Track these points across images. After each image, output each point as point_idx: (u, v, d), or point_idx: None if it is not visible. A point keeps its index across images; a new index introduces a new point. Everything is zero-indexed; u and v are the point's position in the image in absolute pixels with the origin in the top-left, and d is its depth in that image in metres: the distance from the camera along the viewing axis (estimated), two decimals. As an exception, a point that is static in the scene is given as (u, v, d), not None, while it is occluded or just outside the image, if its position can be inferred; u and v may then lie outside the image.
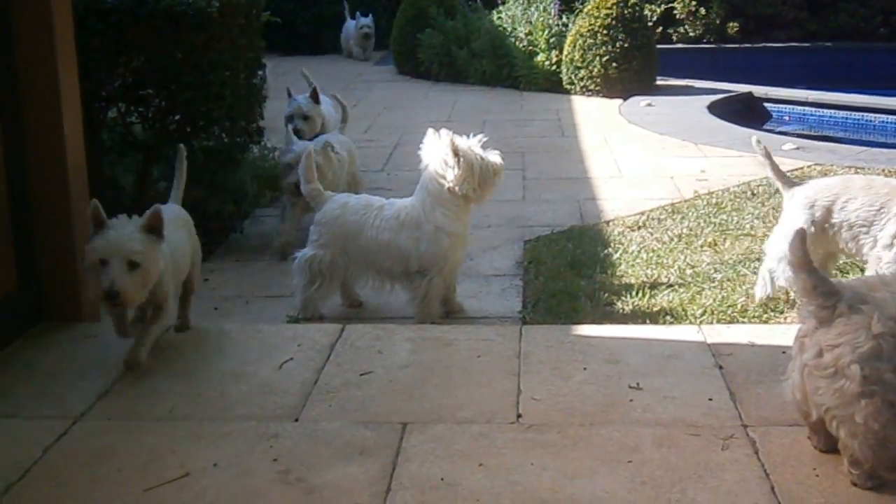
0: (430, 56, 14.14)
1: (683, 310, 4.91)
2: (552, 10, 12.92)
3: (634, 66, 11.88)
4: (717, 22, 16.08)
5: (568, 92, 12.24)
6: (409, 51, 14.51)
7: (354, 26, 17.14)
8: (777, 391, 3.81)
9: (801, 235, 3.20)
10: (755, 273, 5.32)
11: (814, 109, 11.45)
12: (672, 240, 6.09)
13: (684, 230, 6.26)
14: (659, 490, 3.17)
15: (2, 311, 4.37)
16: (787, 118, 11.62)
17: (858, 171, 7.52)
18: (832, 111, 11.26)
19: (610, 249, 5.96)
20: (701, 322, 4.71)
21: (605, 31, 11.77)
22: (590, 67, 11.90)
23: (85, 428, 3.67)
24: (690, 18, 16.11)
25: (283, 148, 6.62)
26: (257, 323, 5.03)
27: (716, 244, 5.93)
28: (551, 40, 12.54)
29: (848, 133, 10.90)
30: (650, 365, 4.10)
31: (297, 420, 3.71)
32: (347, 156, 6.93)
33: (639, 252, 5.87)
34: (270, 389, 3.98)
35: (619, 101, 11.57)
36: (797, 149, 8.55)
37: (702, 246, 5.92)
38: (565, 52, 12.21)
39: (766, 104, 11.90)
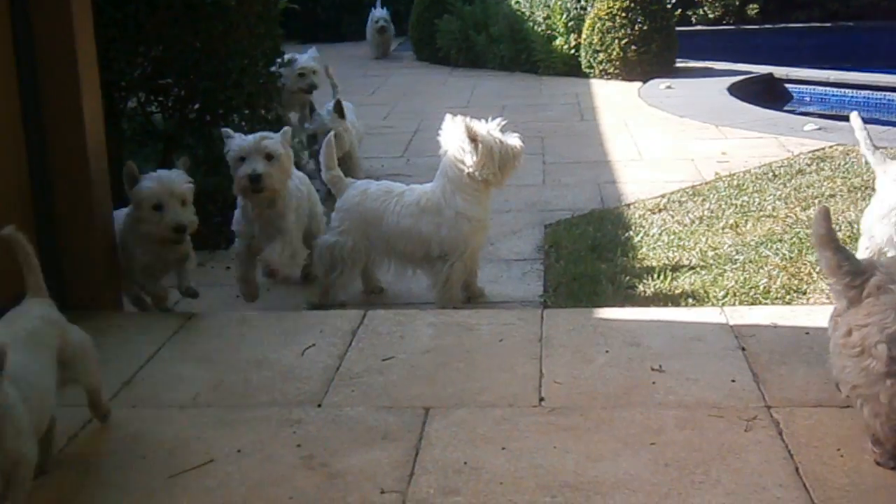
0: (448, 42, 14.11)
1: (705, 292, 4.89)
2: (570, -7, 12.87)
3: (654, 48, 11.82)
4: (737, 3, 15.96)
5: (587, 76, 12.19)
6: (428, 37, 14.49)
7: (371, 19, 15.55)
8: (801, 372, 3.81)
9: (824, 213, 3.18)
10: (777, 255, 5.30)
11: (835, 90, 11.36)
12: (693, 222, 6.06)
13: (705, 212, 6.24)
14: (682, 472, 3.16)
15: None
16: (808, 99, 11.54)
17: (881, 150, 7.45)
18: (854, 91, 11.17)
19: (631, 232, 5.94)
20: (723, 304, 4.70)
21: (623, 14, 11.71)
22: (608, 51, 11.85)
23: (109, 416, 3.69)
24: (710, 0, 16.00)
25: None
26: (279, 310, 5.04)
27: (737, 226, 5.91)
28: (570, 24, 12.48)
29: (870, 113, 10.79)
30: (672, 347, 4.09)
31: (319, 406, 3.73)
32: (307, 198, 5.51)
33: (660, 235, 5.85)
34: (293, 376, 3.99)
35: (639, 84, 11.52)
36: (819, 129, 8.48)
37: (723, 228, 5.90)
38: (584, 36, 12.15)
39: (786, 85, 11.82)
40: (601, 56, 11.94)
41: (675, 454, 3.27)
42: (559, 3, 12.65)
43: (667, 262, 5.38)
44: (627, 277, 5.17)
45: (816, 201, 6.24)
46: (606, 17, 11.80)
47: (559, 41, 12.56)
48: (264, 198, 4.94)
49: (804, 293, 4.84)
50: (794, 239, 5.50)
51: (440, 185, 4.95)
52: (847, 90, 11.25)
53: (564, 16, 12.51)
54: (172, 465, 3.33)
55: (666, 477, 3.14)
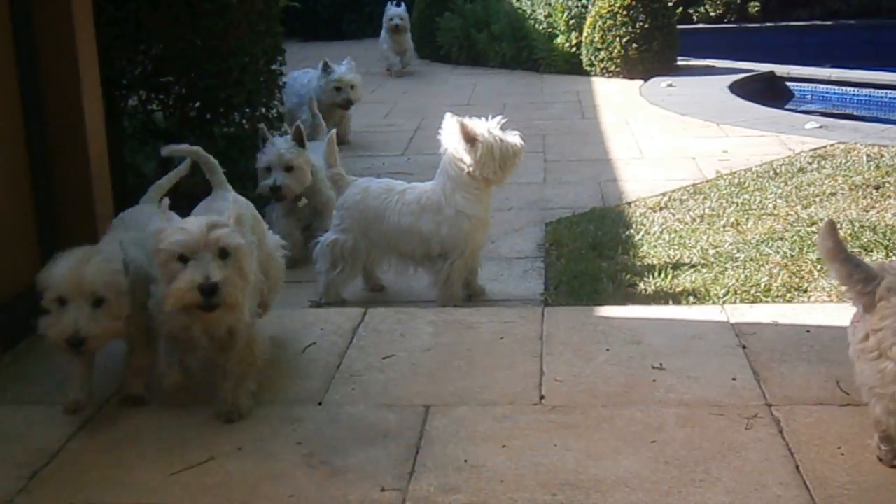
0: (449, 40, 14.10)
1: (706, 290, 4.89)
2: (571, -8, 12.86)
3: (655, 46, 11.81)
4: (738, 1, 15.95)
5: (588, 74, 12.18)
6: (429, 35, 14.47)
7: (385, 17, 13.21)
8: (801, 370, 3.81)
9: (830, 228, 3.19)
10: (778, 253, 5.30)
11: (836, 88, 11.36)
12: (694, 220, 6.06)
13: (706, 210, 6.23)
14: (683, 470, 3.16)
15: (26, 301, 4.39)
16: (809, 97, 11.53)
17: (882, 148, 7.46)
18: (855, 89, 11.16)
19: (632, 231, 5.93)
20: (724, 302, 4.69)
21: (624, 12, 11.70)
22: (610, 49, 11.84)
23: (109, 414, 3.70)
24: (711, -2, 16.01)
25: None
26: (280, 308, 5.03)
27: (738, 224, 5.90)
28: (571, 22, 12.47)
29: (871, 111, 10.81)
30: (673, 345, 4.09)
31: (320, 404, 3.73)
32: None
33: (661, 233, 5.84)
34: (293, 374, 4.00)
35: (640, 82, 11.51)
36: (820, 127, 8.48)
37: (724, 226, 5.89)
38: (585, 34, 12.14)
39: (788, 83, 11.81)
40: (602, 54, 11.93)
41: (675, 452, 3.27)
42: (560, 1, 12.64)
43: (668, 260, 5.37)
44: (628, 275, 5.16)
45: (818, 199, 6.24)
46: (608, 15, 11.79)
47: (560, 39, 12.56)
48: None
49: (805, 291, 4.84)
50: (796, 237, 5.50)
51: (441, 184, 4.95)
52: (848, 88, 11.24)
53: (565, 14, 12.50)
54: (173, 462, 3.33)
55: (666, 475, 3.14)
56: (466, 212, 4.89)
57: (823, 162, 7.24)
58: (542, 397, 3.70)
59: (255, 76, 6.36)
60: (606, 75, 11.97)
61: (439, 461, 3.28)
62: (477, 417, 3.56)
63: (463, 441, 3.40)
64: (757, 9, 15.95)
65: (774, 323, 4.28)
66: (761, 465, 3.18)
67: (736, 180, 6.93)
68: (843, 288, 3.22)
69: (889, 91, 10.82)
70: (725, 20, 16.03)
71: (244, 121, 6.45)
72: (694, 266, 5.23)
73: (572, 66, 12.42)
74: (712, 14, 16.03)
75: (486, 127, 4.88)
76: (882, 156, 7.25)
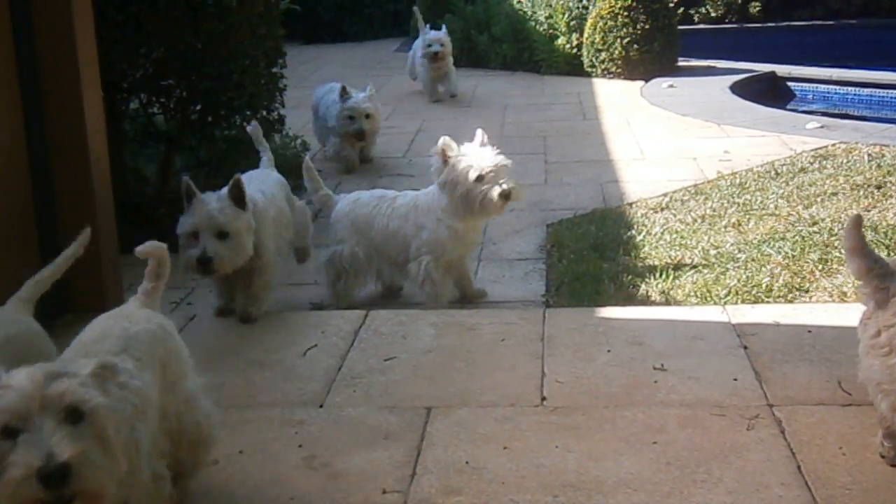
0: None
1: (707, 290, 4.88)
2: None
3: (656, 47, 11.81)
4: (739, 1, 15.95)
5: (589, 75, 12.17)
6: (430, 37, 14.47)
7: (422, 43, 11.18)
8: (803, 370, 3.81)
9: (856, 222, 3.19)
10: (779, 253, 5.29)
11: (838, 88, 11.35)
12: (695, 221, 6.05)
13: (708, 211, 6.23)
14: (684, 470, 3.16)
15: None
16: (810, 97, 11.53)
17: (883, 148, 7.46)
18: (856, 89, 11.16)
19: (633, 231, 5.93)
20: (725, 302, 4.69)
21: (625, 13, 11.70)
22: (611, 50, 11.84)
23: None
24: (712, -2, 16.01)
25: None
26: (281, 311, 5.04)
27: (740, 224, 5.90)
28: (571, 23, 12.47)
29: (872, 111, 10.81)
30: (674, 346, 4.09)
31: (321, 406, 3.73)
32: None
33: (662, 234, 5.84)
34: (295, 376, 4.00)
35: (641, 82, 11.51)
36: (821, 127, 8.48)
37: (725, 226, 5.89)
38: (586, 35, 12.14)
39: (789, 83, 11.81)
40: (603, 55, 11.93)
41: (676, 453, 3.27)
42: (561, 2, 12.65)
43: (669, 260, 5.37)
44: (629, 276, 5.16)
45: (819, 199, 6.23)
46: (608, 16, 11.79)
47: (561, 40, 12.55)
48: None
49: (806, 291, 4.83)
50: (797, 237, 5.50)
51: (431, 190, 4.96)
52: (850, 88, 11.23)
53: (566, 15, 12.50)
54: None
55: (668, 476, 3.14)
56: (446, 221, 4.89)
57: (825, 162, 7.24)
58: (543, 399, 3.70)
59: (256, 79, 6.36)
60: (607, 76, 11.97)
61: (441, 463, 3.28)
62: (478, 419, 3.56)
63: (464, 443, 3.40)
64: (758, 9, 15.94)
65: (776, 323, 4.28)
66: (763, 465, 3.18)
67: (737, 181, 6.93)
68: (860, 283, 3.22)
69: (890, 90, 10.81)
70: (726, 20, 16.02)
71: (245, 123, 6.43)
72: (695, 267, 5.23)
73: (573, 67, 12.42)
74: (713, 14, 16.02)
75: (471, 164, 4.81)
76: (883, 155, 7.25)
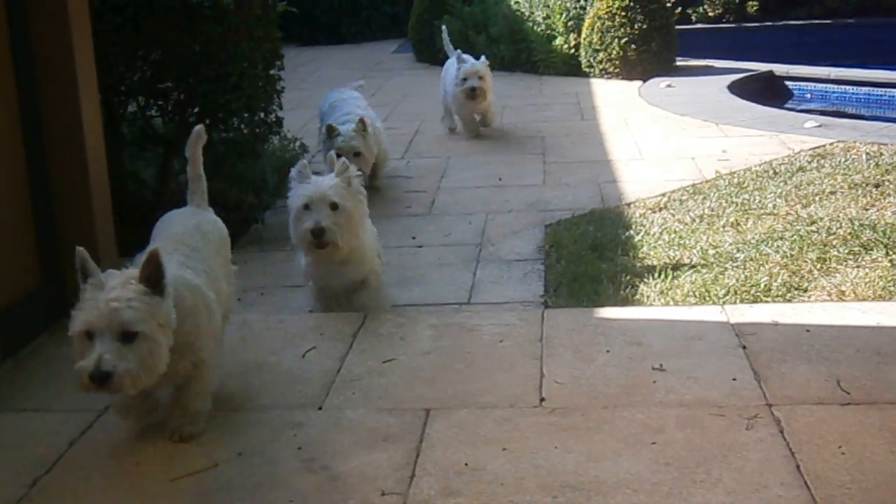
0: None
1: (706, 290, 4.88)
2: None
3: (653, 47, 11.81)
4: (737, 1, 15.95)
5: (587, 75, 12.18)
6: (428, 38, 14.47)
7: (455, 73, 9.06)
8: (802, 370, 3.81)
9: None
10: (778, 252, 5.29)
11: (836, 86, 11.35)
12: (694, 220, 6.05)
13: (706, 210, 6.23)
14: (683, 471, 3.16)
15: (26, 308, 4.41)
16: (808, 96, 11.53)
17: (882, 147, 7.46)
18: (854, 88, 11.15)
19: (631, 232, 5.93)
20: (724, 302, 4.69)
21: (623, 13, 11.70)
22: (608, 50, 11.84)
23: (110, 420, 3.69)
24: (709, -2, 16.01)
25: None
26: (279, 313, 5.04)
27: (738, 224, 5.90)
28: (569, 23, 12.48)
29: (871, 110, 10.81)
30: (673, 346, 4.09)
31: (320, 408, 3.73)
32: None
33: (660, 233, 5.84)
34: (293, 379, 4.00)
35: (639, 82, 11.51)
36: (819, 126, 8.48)
37: (724, 226, 5.89)
38: (583, 35, 12.15)
39: (787, 82, 11.81)
40: (601, 55, 11.93)
41: (676, 453, 3.27)
42: (558, 2, 12.64)
43: (667, 260, 5.37)
44: (628, 277, 5.16)
45: (817, 198, 6.23)
46: (606, 17, 11.79)
47: (559, 41, 12.56)
48: None
49: (805, 291, 4.83)
50: (795, 236, 5.49)
51: None
52: (848, 87, 11.23)
53: (564, 15, 12.50)
54: (173, 468, 3.33)
55: (667, 476, 3.14)
56: (300, 253, 4.87)
57: (823, 161, 7.24)
58: (542, 399, 3.70)
59: (254, 81, 6.35)
60: (605, 76, 11.97)
61: (440, 465, 3.28)
62: (477, 420, 3.56)
63: (463, 444, 3.40)
64: (755, 8, 15.94)
65: (774, 323, 4.28)
66: (762, 465, 3.17)
67: (735, 180, 6.93)
68: None
69: (888, 89, 10.81)
70: (724, 20, 16.02)
71: (243, 126, 6.44)
72: (694, 266, 5.23)
73: (571, 67, 12.42)
74: (711, 14, 16.02)
75: (297, 192, 4.61)
76: (881, 154, 7.25)
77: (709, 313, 4.45)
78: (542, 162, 8.04)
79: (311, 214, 4.51)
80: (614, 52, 11.80)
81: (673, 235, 5.79)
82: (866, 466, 3.14)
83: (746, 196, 6.47)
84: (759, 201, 6.33)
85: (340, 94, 7.82)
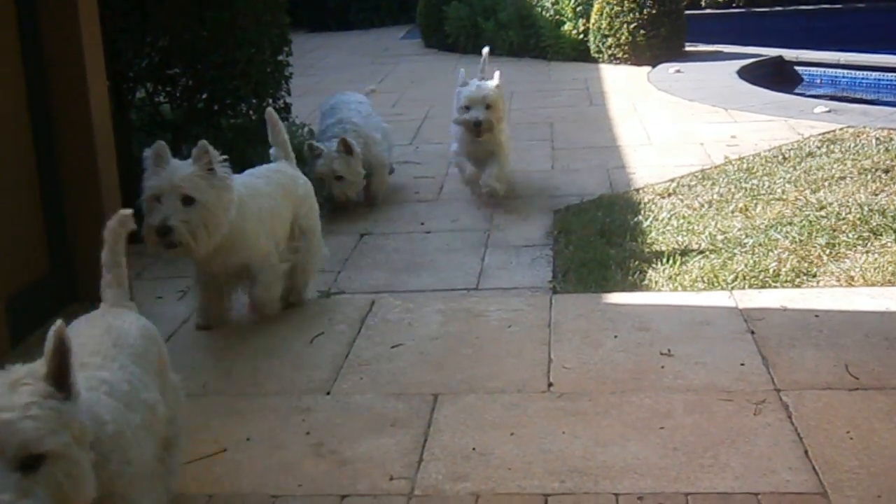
0: (456, 28, 14.08)
1: (714, 276, 4.87)
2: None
3: (663, 32, 11.77)
4: (747, -14, 15.90)
5: (596, 60, 12.14)
6: (436, 24, 14.45)
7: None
8: (810, 355, 3.80)
9: None
10: (787, 238, 5.28)
11: (846, 71, 11.30)
12: (702, 206, 6.04)
13: (715, 196, 6.21)
14: (691, 456, 3.16)
15: (36, 293, 4.42)
16: (818, 81, 11.48)
17: (891, 132, 7.43)
18: (864, 73, 11.10)
19: (640, 217, 5.92)
20: (732, 287, 4.68)
21: (632, -2, 11.67)
22: (617, 35, 11.81)
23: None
24: (719, -17, 15.94)
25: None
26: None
27: (747, 209, 5.88)
28: (578, 9, 12.43)
29: (881, 94, 10.76)
30: (681, 331, 4.09)
31: (328, 393, 3.74)
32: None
33: (669, 219, 5.83)
34: (302, 364, 4.01)
35: (648, 68, 11.47)
36: (829, 111, 8.44)
37: (733, 211, 5.87)
38: (592, 21, 12.11)
39: (797, 67, 11.76)
40: (610, 41, 11.90)
41: (683, 438, 3.27)
42: (567, -12, 12.61)
43: (676, 246, 5.36)
44: (636, 262, 5.15)
45: (826, 184, 6.21)
46: (615, 2, 11.74)
47: (568, 26, 12.52)
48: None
49: (814, 276, 4.82)
50: (804, 222, 5.48)
51: None
52: (857, 72, 11.18)
53: (573, 1, 12.45)
54: (182, 452, 3.33)
55: (674, 461, 3.14)
56: None
57: (832, 146, 7.21)
58: (550, 385, 3.71)
59: (262, 67, 6.36)
60: (614, 62, 11.94)
61: (447, 449, 3.28)
62: (485, 405, 3.57)
63: (471, 429, 3.41)
64: (765, -7, 15.89)
65: (783, 308, 4.28)
66: (770, 450, 3.17)
67: (744, 165, 6.90)
68: None
69: (898, 74, 10.77)
70: (733, 5, 15.96)
71: (251, 112, 6.44)
72: (702, 252, 5.22)
73: (580, 53, 12.39)
74: (720, -1, 15.97)
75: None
76: (891, 139, 7.21)
77: (717, 298, 4.45)
78: (550, 148, 8.03)
79: (160, 209, 4.00)
80: (623, 38, 11.77)
81: (681, 221, 5.78)
82: (874, 451, 3.13)
83: (755, 181, 6.45)
84: (768, 186, 6.31)
85: (343, 97, 7.06)
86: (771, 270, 4.87)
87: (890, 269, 4.73)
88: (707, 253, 5.19)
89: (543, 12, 12.80)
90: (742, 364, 3.77)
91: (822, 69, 11.53)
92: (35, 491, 2.05)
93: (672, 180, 6.69)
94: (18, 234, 4.38)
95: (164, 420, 2.83)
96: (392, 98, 10.66)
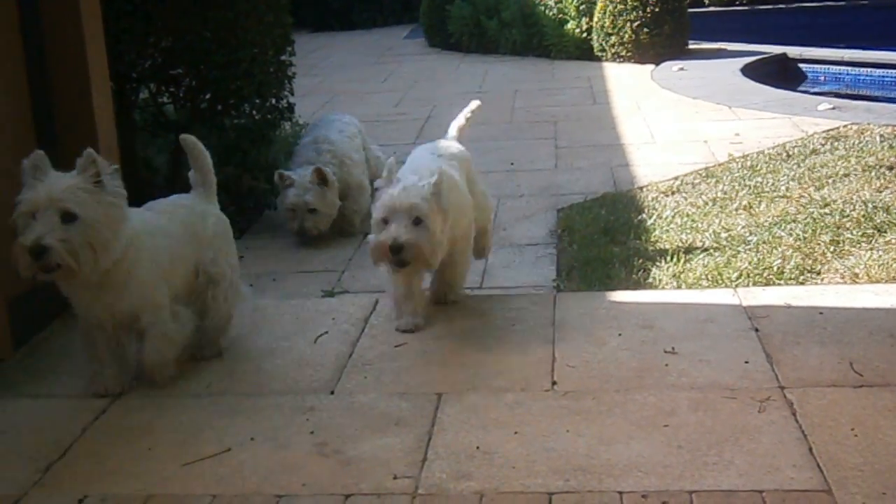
0: (459, 28, 14.07)
1: (718, 273, 4.87)
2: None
3: (666, 30, 11.76)
4: (750, -17, 15.90)
5: (599, 59, 12.14)
6: (439, 23, 14.45)
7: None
8: (814, 352, 3.80)
9: None
10: (791, 235, 5.27)
11: (850, 69, 11.28)
12: (706, 204, 6.03)
13: (719, 194, 6.21)
14: (695, 454, 3.16)
15: (38, 296, 4.41)
16: (822, 78, 11.47)
17: (896, 129, 7.42)
18: (868, 70, 11.09)
19: (644, 215, 5.92)
20: (736, 285, 4.67)
21: (635, -4, 11.66)
22: (621, 33, 11.80)
23: (123, 406, 3.72)
24: (722, -20, 15.94)
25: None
26: (292, 298, 5.04)
27: (751, 207, 5.87)
28: (581, 7, 12.42)
29: (885, 91, 10.74)
30: (685, 329, 4.08)
31: (332, 393, 3.74)
32: None
33: (673, 217, 5.82)
34: (306, 363, 4.01)
35: (651, 66, 11.47)
36: (833, 108, 8.43)
37: (737, 209, 5.87)
38: (595, 19, 12.10)
39: (800, 65, 11.74)
40: (613, 39, 11.89)
41: (688, 436, 3.26)
42: (570, -14, 12.60)
43: (680, 244, 5.35)
44: (640, 260, 5.15)
45: (830, 181, 6.20)
46: (618, 0, 11.74)
47: (571, 25, 12.51)
48: None
49: (818, 273, 4.81)
50: (808, 219, 5.47)
51: None
52: (862, 69, 11.16)
53: (576, -1, 12.46)
54: (186, 453, 3.34)
55: (679, 459, 3.13)
56: None
57: (836, 143, 7.20)
58: (554, 383, 3.70)
59: (265, 67, 6.36)
60: (617, 60, 11.93)
61: (451, 448, 3.28)
62: (489, 404, 3.57)
63: (475, 428, 3.40)
64: (768, -10, 15.88)
65: (787, 305, 4.27)
66: (774, 447, 3.17)
67: (748, 163, 6.90)
68: None
69: (903, 71, 10.75)
70: (736, 2, 15.98)
71: (255, 112, 6.45)
72: (706, 250, 5.21)
73: (583, 51, 12.38)
74: (723, -3, 15.97)
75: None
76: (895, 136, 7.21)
77: (721, 296, 4.44)
78: (554, 146, 8.03)
79: (34, 226, 3.46)
80: (626, 36, 11.76)
81: (685, 219, 5.77)
82: (879, 448, 3.13)
83: (759, 179, 6.45)
84: (772, 184, 6.30)
85: (329, 116, 6.76)
86: (775, 268, 4.87)
87: (894, 265, 4.72)
88: (711, 251, 5.19)
89: (547, 11, 12.79)
90: (746, 362, 3.76)
91: (826, 66, 11.51)
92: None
93: (676, 178, 6.69)
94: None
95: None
96: (395, 98, 10.67)
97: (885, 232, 5.19)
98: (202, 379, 3.90)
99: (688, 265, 5.01)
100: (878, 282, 4.58)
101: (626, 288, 4.75)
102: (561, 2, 12.61)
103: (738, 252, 5.12)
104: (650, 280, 4.91)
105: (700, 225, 5.63)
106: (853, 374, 3.61)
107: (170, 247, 3.86)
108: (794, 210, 5.69)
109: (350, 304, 4.66)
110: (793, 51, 11.86)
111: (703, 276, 4.84)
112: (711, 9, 15.73)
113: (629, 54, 11.82)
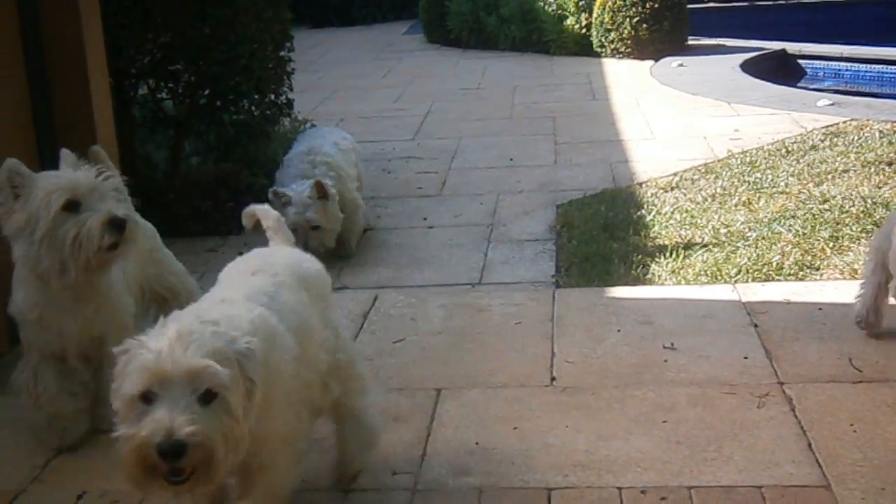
0: (459, 23, 14.06)
1: (718, 269, 4.87)
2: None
3: (665, 26, 11.75)
4: (749, -21, 15.88)
5: (598, 55, 12.13)
6: (438, 19, 14.44)
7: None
8: (813, 348, 3.80)
9: None
10: (790, 231, 5.27)
11: (849, 65, 11.28)
12: (706, 200, 6.03)
13: (718, 190, 6.20)
14: (694, 449, 3.16)
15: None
16: (821, 74, 11.46)
17: (895, 125, 7.41)
18: (868, 66, 11.08)
19: (643, 211, 5.91)
20: (736, 281, 4.68)
21: (634, -8, 11.65)
22: (620, 29, 11.79)
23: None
24: (722, -24, 15.91)
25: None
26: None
27: (750, 203, 5.87)
28: (580, 3, 12.41)
29: (884, 87, 10.73)
30: (684, 325, 4.09)
31: (332, 389, 3.73)
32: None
33: (672, 213, 5.82)
34: (305, 359, 4.00)
35: (651, 62, 11.46)
36: (832, 104, 8.43)
37: (736, 205, 5.86)
38: (595, 15, 12.09)
39: (800, 61, 11.74)
40: (612, 35, 11.88)
41: (687, 432, 3.27)
42: (569, -18, 12.59)
43: (679, 240, 5.35)
44: (639, 256, 5.15)
45: (830, 177, 6.20)
46: (617, -4, 11.73)
47: (570, 21, 12.50)
48: None
49: (817, 269, 4.81)
50: (808, 215, 5.47)
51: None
52: (861, 65, 11.16)
53: (575, -5, 12.45)
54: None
55: (678, 454, 3.14)
56: (28, 285, 3.44)
57: (836, 139, 7.20)
58: (553, 379, 3.70)
59: (264, 63, 6.35)
60: (617, 56, 11.92)
61: (451, 444, 3.28)
62: (488, 400, 3.57)
63: (474, 424, 3.41)
64: (768, -14, 15.85)
65: (786, 301, 4.28)
66: (773, 443, 3.17)
67: (747, 159, 6.89)
68: None
69: (902, 67, 10.75)
70: (736, -2, 15.93)
71: (254, 108, 6.44)
72: (705, 245, 5.22)
73: (582, 47, 12.37)
74: (723, -8, 15.94)
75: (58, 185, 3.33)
76: (895, 132, 7.20)
77: (720, 292, 4.45)
78: (553, 142, 8.02)
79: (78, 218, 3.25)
80: (626, 32, 11.75)
81: (685, 215, 5.77)
82: (878, 444, 3.13)
83: (758, 175, 6.44)
84: (772, 180, 6.30)
85: (321, 128, 6.52)
86: (774, 264, 4.87)
87: (893, 261, 4.72)
88: (710, 247, 5.19)
89: (546, 7, 12.78)
90: (745, 357, 3.77)
91: (826, 62, 11.51)
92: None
93: (675, 174, 6.68)
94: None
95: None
96: (394, 93, 10.66)
97: (885, 228, 5.19)
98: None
99: (687, 261, 5.02)
100: (877, 278, 4.58)
101: (626, 284, 4.75)
102: (560, -2, 12.60)
103: (738, 248, 5.12)
104: (649, 276, 4.91)
105: (699, 221, 5.63)
106: (852, 370, 3.61)
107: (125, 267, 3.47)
108: (793, 206, 5.69)
109: (349, 300, 4.66)
110: (792, 47, 11.85)
111: (703, 272, 4.84)
112: (711, 5, 15.70)
113: (628, 50, 11.80)
